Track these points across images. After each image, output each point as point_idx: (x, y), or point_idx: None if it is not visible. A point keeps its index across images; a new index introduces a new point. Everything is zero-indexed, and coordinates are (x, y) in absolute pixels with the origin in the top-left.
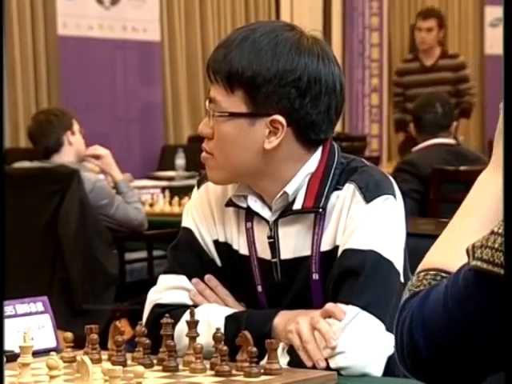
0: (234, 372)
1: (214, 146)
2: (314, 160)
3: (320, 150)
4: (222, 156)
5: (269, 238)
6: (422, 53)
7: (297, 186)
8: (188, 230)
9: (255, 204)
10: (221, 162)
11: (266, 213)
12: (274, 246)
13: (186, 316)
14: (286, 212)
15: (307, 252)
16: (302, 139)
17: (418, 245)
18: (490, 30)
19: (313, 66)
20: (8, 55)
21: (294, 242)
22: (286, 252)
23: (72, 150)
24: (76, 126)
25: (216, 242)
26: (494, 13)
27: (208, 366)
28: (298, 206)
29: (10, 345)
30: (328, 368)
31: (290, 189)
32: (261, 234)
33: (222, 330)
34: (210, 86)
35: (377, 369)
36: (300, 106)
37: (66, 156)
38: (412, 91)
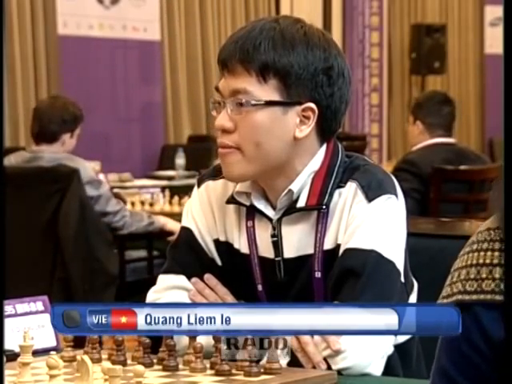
0: (233, 371)
1: (239, 139)
2: (318, 158)
3: (324, 148)
4: (252, 147)
5: (272, 236)
6: None
7: (301, 184)
8: (188, 230)
9: (259, 202)
10: (250, 153)
11: (269, 211)
12: (277, 245)
13: None
14: (290, 210)
15: (310, 250)
16: (322, 130)
17: (417, 244)
18: (490, 30)
19: (340, 57)
20: (8, 55)
21: (297, 241)
22: (289, 251)
23: (61, 149)
24: (78, 131)
25: (216, 242)
26: (494, 12)
27: (208, 365)
28: (301, 204)
29: (9, 344)
30: (328, 368)
31: (294, 187)
32: (263, 233)
33: None
34: (225, 79)
35: (377, 369)
36: (330, 95)
37: (54, 149)
38: None
